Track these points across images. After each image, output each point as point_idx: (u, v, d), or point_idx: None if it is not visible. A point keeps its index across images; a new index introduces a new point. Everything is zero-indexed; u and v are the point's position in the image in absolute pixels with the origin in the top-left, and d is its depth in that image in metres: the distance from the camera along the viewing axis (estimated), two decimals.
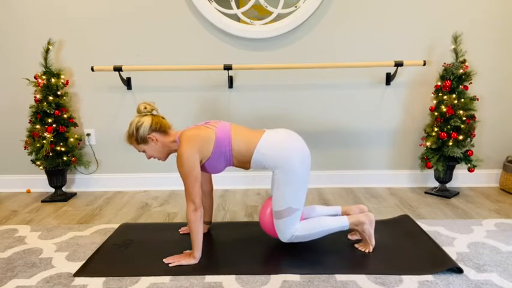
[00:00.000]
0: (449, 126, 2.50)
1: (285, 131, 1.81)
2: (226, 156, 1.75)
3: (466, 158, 2.53)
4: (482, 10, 2.60)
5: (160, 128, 1.76)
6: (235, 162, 1.79)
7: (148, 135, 1.74)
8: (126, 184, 2.91)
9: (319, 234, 1.78)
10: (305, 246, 1.87)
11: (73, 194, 2.80)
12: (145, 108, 1.76)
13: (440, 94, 2.55)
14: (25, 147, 2.62)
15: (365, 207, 1.92)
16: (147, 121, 1.74)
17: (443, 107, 2.50)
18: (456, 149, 2.48)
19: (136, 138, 1.75)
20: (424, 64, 2.53)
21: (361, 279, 1.60)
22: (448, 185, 2.78)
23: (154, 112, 1.80)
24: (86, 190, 2.91)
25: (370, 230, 1.81)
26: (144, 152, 1.80)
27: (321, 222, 1.78)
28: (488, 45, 2.66)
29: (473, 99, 2.51)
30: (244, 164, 1.79)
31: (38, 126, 2.56)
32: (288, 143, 1.74)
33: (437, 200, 2.57)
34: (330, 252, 1.82)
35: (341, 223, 1.79)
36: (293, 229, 1.76)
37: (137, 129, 1.73)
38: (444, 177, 2.64)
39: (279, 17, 2.65)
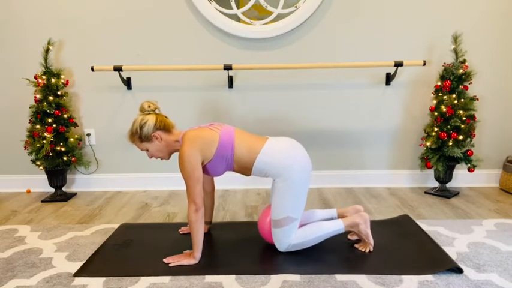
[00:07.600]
0: (449, 126, 2.50)
1: (287, 139, 1.81)
2: (227, 161, 1.75)
3: (466, 158, 2.53)
4: (483, 10, 2.61)
5: (165, 126, 1.76)
6: (235, 167, 1.78)
7: (152, 134, 1.73)
8: (126, 184, 2.91)
9: (315, 240, 1.78)
10: None
11: (73, 194, 2.80)
12: (149, 106, 1.76)
13: (440, 94, 2.55)
14: (25, 147, 2.62)
15: (360, 207, 1.92)
16: (151, 119, 1.73)
17: (443, 107, 2.50)
18: (456, 149, 2.48)
19: (140, 136, 1.74)
20: (424, 64, 2.53)
21: (361, 279, 1.60)
22: (448, 185, 2.78)
23: (157, 111, 1.79)
24: (86, 190, 2.91)
25: (366, 229, 1.81)
26: (146, 150, 1.79)
27: (317, 228, 1.78)
28: (488, 45, 2.66)
29: (473, 99, 2.51)
30: (244, 170, 1.78)
31: (38, 126, 2.56)
32: (290, 151, 1.74)
33: (437, 200, 2.57)
34: (330, 252, 1.82)
35: (336, 227, 1.78)
36: (290, 239, 1.76)
37: (141, 127, 1.72)
38: (444, 177, 2.64)
39: (279, 17, 2.65)
